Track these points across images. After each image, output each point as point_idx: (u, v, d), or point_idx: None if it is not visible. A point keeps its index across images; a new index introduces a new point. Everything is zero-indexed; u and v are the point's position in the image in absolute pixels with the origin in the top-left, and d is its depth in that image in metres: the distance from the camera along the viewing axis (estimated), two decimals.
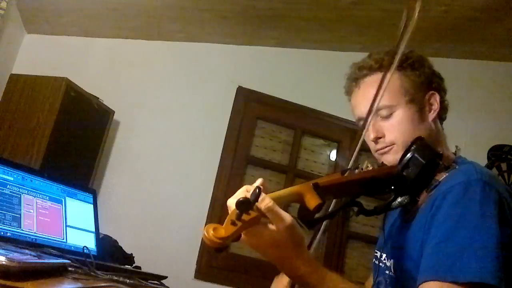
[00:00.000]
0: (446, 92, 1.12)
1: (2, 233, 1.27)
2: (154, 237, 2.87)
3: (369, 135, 1.06)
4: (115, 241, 2.09)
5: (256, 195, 0.74)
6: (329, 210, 0.97)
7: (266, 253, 0.80)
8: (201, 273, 2.94)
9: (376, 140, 1.04)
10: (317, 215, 0.84)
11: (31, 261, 0.92)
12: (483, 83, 3.37)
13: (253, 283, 3.00)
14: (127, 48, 3.15)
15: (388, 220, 1.14)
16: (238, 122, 3.19)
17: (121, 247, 2.10)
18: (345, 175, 0.90)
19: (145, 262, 2.07)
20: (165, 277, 1.67)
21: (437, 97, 1.08)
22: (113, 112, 2.89)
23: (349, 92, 1.16)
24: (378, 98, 1.01)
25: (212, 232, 0.71)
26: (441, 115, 1.11)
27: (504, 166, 3.28)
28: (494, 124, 3.28)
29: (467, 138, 3.18)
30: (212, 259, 2.98)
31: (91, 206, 1.73)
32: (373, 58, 1.10)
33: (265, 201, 0.76)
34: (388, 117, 1.04)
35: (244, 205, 0.72)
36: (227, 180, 3.08)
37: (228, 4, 2.81)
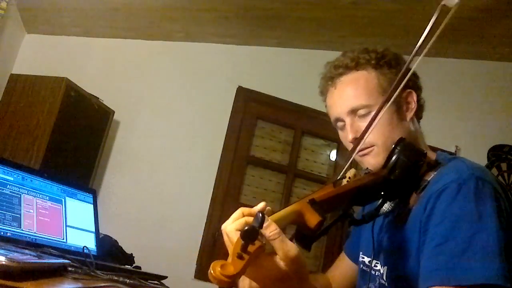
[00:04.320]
0: (422, 90, 1.09)
1: (2, 233, 1.27)
2: (154, 237, 2.87)
3: (347, 136, 1.03)
4: (115, 241, 2.09)
5: (260, 222, 0.68)
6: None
7: (268, 285, 0.74)
8: (201, 273, 2.94)
9: (354, 141, 1.00)
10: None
11: (31, 261, 0.92)
12: (483, 83, 3.37)
13: None
14: (127, 48, 3.15)
15: (376, 224, 1.07)
16: (238, 122, 3.19)
17: (121, 247, 2.10)
18: (337, 186, 0.87)
19: (145, 262, 2.07)
20: (165, 277, 1.67)
21: (414, 95, 1.05)
22: (113, 112, 2.89)
23: (324, 91, 1.12)
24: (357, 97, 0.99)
25: (219, 269, 0.66)
26: (418, 114, 1.08)
27: (504, 166, 3.28)
28: (494, 124, 3.28)
29: (467, 138, 3.19)
30: (212, 259, 2.98)
31: (91, 206, 1.73)
32: (349, 56, 1.07)
33: (270, 228, 0.70)
34: (365, 116, 1.00)
35: (252, 235, 0.66)
36: (227, 180, 3.08)
37: (228, 4, 2.81)
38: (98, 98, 2.78)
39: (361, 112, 1.00)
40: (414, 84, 1.07)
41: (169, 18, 2.98)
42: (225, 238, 0.74)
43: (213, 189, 3.05)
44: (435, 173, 0.93)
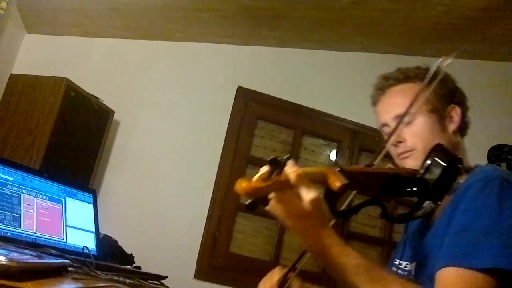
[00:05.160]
0: (468, 109, 1.19)
1: (2, 233, 1.27)
2: (154, 237, 2.87)
3: (391, 140, 1.11)
4: (115, 241, 2.09)
5: (287, 158, 0.75)
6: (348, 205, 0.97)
7: (290, 223, 0.81)
8: (201, 273, 2.94)
9: (397, 144, 1.09)
10: (342, 208, 0.85)
11: (31, 261, 0.93)
12: (483, 83, 3.37)
13: (253, 283, 3.00)
14: (127, 48, 3.15)
15: (410, 227, 1.19)
16: (238, 122, 3.19)
17: (121, 247, 2.10)
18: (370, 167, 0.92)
19: (145, 262, 2.07)
20: (165, 277, 1.67)
21: (458, 110, 1.14)
22: (113, 112, 2.89)
23: (375, 101, 1.21)
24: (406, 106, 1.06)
25: (246, 182, 0.72)
26: (462, 131, 1.17)
27: (504, 166, 3.28)
28: (494, 124, 3.27)
29: (467, 138, 3.18)
30: (212, 259, 2.99)
31: (91, 206, 1.73)
32: (400, 70, 1.18)
33: (294, 166, 0.78)
34: (409, 123, 1.09)
35: (276, 163, 0.74)
36: (227, 180, 3.08)
37: (228, 4, 2.81)
38: (98, 98, 2.78)
39: (406, 119, 1.08)
40: (460, 101, 1.16)
41: (169, 18, 2.98)
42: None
43: (213, 189, 3.05)
44: (467, 176, 1.00)
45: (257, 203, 0.74)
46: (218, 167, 3.09)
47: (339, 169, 0.83)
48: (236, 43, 3.25)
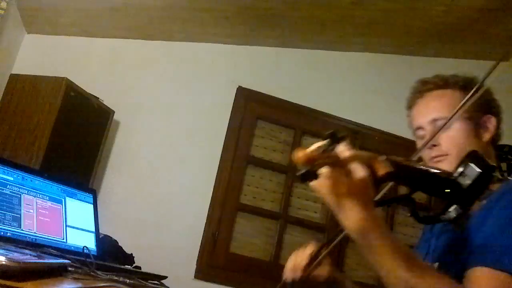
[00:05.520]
0: (502, 121, 1.20)
1: (2, 233, 1.27)
2: (154, 237, 2.87)
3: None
4: (115, 241, 2.09)
5: (345, 136, 0.76)
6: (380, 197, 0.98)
7: (336, 200, 0.81)
8: (201, 273, 2.94)
9: (432, 147, 1.11)
10: (376, 198, 0.85)
11: (31, 261, 0.92)
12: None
13: (253, 283, 3.00)
14: (127, 48, 3.15)
15: (434, 228, 1.20)
16: (238, 122, 3.19)
17: (121, 247, 2.10)
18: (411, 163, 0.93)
19: (145, 262, 2.07)
20: (165, 277, 1.67)
21: (494, 121, 1.16)
22: (113, 112, 2.88)
23: (412, 104, 1.22)
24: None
25: (303, 151, 0.73)
26: (495, 141, 1.18)
27: (504, 166, 3.28)
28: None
29: None
30: (212, 259, 2.99)
31: (91, 206, 1.73)
32: (439, 77, 1.19)
33: (348, 146, 0.79)
34: (445, 128, 1.10)
35: (335, 137, 0.75)
36: (227, 180, 3.08)
37: (228, 4, 2.81)
38: (98, 98, 2.78)
39: (441, 123, 1.10)
40: (496, 112, 1.19)
41: (169, 18, 2.97)
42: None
43: (213, 189, 3.05)
44: (500, 184, 1.03)
45: (309, 175, 0.75)
46: (218, 167, 3.09)
47: (385, 157, 0.84)
48: (236, 43, 3.25)
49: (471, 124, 1.12)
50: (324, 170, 0.78)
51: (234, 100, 3.20)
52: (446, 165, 1.07)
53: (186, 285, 2.82)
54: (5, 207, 1.31)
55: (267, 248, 3.11)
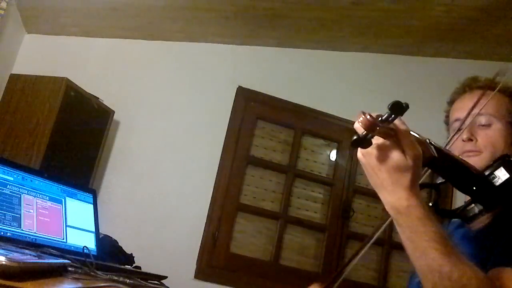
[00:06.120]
0: None
1: (2, 233, 1.27)
2: (154, 237, 2.87)
3: (462, 135, 1.12)
4: (115, 241, 2.09)
5: (407, 105, 0.73)
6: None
7: (383, 174, 0.80)
8: (201, 273, 2.94)
9: (467, 141, 1.10)
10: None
11: (31, 261, 0.92)
12: None
13: (253, 283, 3.00)
14: (127, 48, 3.15)
15: (450, 227, 1.19)
16: (238, 122, 3.19)
17: (121, 247, 2.10)
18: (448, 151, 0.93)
19: (145, 262, 2.07)
20: (165, 277, 1.67)
21: None
22: (113, 112, 2.89)
23: (456, 96, 1.21)
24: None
25: (365, 116, 0.72)
26: None
27: None
28: None
29: None
30: (212, 259, 2.99)
31: (91, 206, 1.73)
32: (490, 79, 1.18)
33: (405, 124, 0.78)
34: (486, 126, 1.11)
35: (400, 109, 0.72)
36: (227, 180, 3.08)
37: (228, 4, 2.81)
38: (98, 98, 2.78)
39: (482, 120, 1.11)
40: None
41: (169, 18, 2.98)
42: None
43: (213, 189, 3.05)
44: None
45: (363, 141, 0.74)
46: (218, 167, 3.09)
47: (429, 141, 0.84)
48: (236, 43, 3.25)
49: (510, 129, 1.12)
50: (380, 140, 0.77)
51: (234, 100, 3.20)
52: (477, 161, 1.06)
53: (186, 285, 2.82)
54: (5, 207, 1.31)
55: (267, 248, 3.11)
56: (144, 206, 2.93)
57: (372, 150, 0.79)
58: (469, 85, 1.19)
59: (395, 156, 0.78)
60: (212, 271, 2.96)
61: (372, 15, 2.91)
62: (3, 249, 1.00)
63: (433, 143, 0.85)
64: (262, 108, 3.27)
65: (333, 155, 3.37)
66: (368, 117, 0.72)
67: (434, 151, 0.82)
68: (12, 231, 1.30)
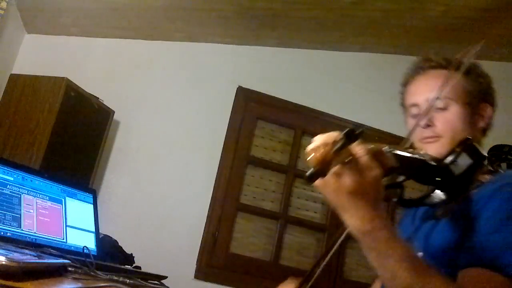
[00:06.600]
0: (496, 109, 1.19)
1: (2, 233, 1.27)
2: (154, 237, 2.87)
3: (421, 122, 1.08)
4: (115, 241, 2.09)
5: (361, 132, 0.73)
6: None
7: (344, 199, 0.78)
8: (201, 273, 2.94)
9: (426, 127, 1.06)
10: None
11: (31, 261, 0.93)
12: None
13: (253, 283, 3.00)
14: (127, 48, 3.15)
15: (418, 212, 1.16)
16: (238, 122, 3.19)
17: (121, 247, 2.10)
18: (410, 151, 0.92)
19: (145, 262, 2.07)
20: (165, 277, 1.67)
21: (490, 110, 1.15)
22: (113, 112, 2.88)
23: (409, 79, 1.17)
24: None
25: (320, 153, 0.71)
26: (486, 130, 1.16)
27: (504, 166, 3.28)
28: (494, 124, 3.27)
29: None
30: (212, 259, 2.99)
31: (91, 206, 1.73)
32: (443, 58, 1.14)
33: (361, 145, 0.76)
34: (443, 109, 1.07)
35: (353, 136, 0.72)
36: (227, 180, 3.08)
37: (228, 4, 2.81)
38: (98, 98, 2.78)
39: (440, 103, 1.06)
40: (492, 101, 1.18)
41: (169, 18, 2.98)
42: (315, 145, 0.79)
43: (213, 189, 3.05)
44: (491, 176, 0.99)
45: (319, 174, 0.73)
46: (218, 167, 3.09)
47: (389, 149, 0.83)
48: (236, 43, 3.25)
49: (468, 110, 1.08)
50: (335, 169, 0.76)
51: (234, 100, 3.20)
52: (437, 148, 1.03)
53: (186, 285, 2.82)
54: (5, 207, 1.31)
55: (267, 248, 3.12)
56: (144, 206, 2.93)
57: (329, 178, 0.77)
58: (422, 67, 1.15)
59: (352, 180, 0.76)
60: (212, 271, 2.96)
61: (372, 15, 2.91)
62: (3, 249, 1.00)
63: (392, 151, 0.83)
64: (262, 108, 3.27)
65: None
66: (318, 155, 0.72)
67: (394, 161, 0.81)
68: (12, 231, 1.30)
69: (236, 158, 3.14)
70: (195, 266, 2.94)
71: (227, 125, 3.15)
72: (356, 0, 2.73)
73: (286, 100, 3.25)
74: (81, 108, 2.64)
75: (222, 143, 3.12)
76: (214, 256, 2.99)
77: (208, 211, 3.01)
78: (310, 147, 0.78)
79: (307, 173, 0.72)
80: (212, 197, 3.04)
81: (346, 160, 0.75)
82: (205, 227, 2.99)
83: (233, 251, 3.05)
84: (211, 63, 3.23)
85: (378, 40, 3.26)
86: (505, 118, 3.37)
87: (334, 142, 0.73)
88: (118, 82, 3.06)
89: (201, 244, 2.97)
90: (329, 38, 3.22)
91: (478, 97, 1.12)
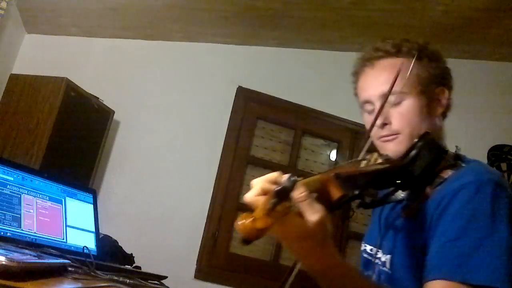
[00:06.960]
0: (453, 89, 1.10)
1: (2, 233, 1.27)
2: (154, 237, 2.87)
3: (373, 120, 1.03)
4: (115, 241, 2.09)
5: (292, 183, 0.71)
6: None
7: (291, 245, 0.77)
8: (201, 273, 2.94)
9: (382, 126, 1.01)
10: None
11: (31, 261, 0.92)
12: (483, 83, 3.37)
13: (253, 283, 3.00)
14: (127, 48, 3.15)
15: (383, 214, 1.09)
16: (238, 122, 3.19)
17: (121, 247, 2.10)
18: (361, 166, 0.87)
19: (145, 262, 2.07)
20: (165, 277, 1.67)
21: (447, 93, 1.06)
22: (113, 112, 2.89)
23: (359, 72, 1.11)
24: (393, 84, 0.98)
25: (250, 222, 0.67)
26: (445, 112, 1.09)
27: (504, 166, 3.28)
28: (494, 124, 3.28)
29: (467, 138, 3.18)
30: (212, 259, 2.99)
31: (91, 206, 1.73)
32: (390, 43, 1.08)
33: (300, 190, 0.71)
34: (397, 104, 1.00)
35: (284, 194, 0.69)
36: (227, 180, 3.08)
37: (228, 4, 2.81)
38: (98, 98, 2.78)
39: (392, 98, 0.99)
40: (448, 83, 1.08)
41: (169, 18, 2.98)
42: (252, 194, 0.76)
43: (213, 189, 3.05)
44: (453, 172, 0.93)
45: (254, 240, 0.69)
46: (218, 167, 3.09)
47: (335, 175, 0.80)
48: (236, 43, 3.25)
49: (424, 99, 1.01)
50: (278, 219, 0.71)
51: (234, 100, 3.20)
52: (396, 146, 0.99)
53: (186, 285, 2.82)
54: (5, 207, 1.31)
55: (267, 248, 3.11)
56: (144, 206, 2.93)
57: (273, 228, 0.71)
58: (369, 59, 1.08)
59: (296, 226, 0.73)
60: (212, 271, 2.96)
61: (372, 15, 2.91)
62: (3, 249, 1.00)
63: (341, 174, 0.80)
64: (262, 108, 3.27)
65: (333, 155, 3.37)
66: (249, 227, 0.67)
67: (342, 188, 0.78)
68: (12, 231, 1.30)
69: (236, 158, 3.14)
70: (195, 266, 2.94)
71: (227, 125, 3.16)
72: (356, 0, 2.73)
73: (286, 100, 3.25)
74: (81, 108, 2.64)
75: (222, 143, 3.12)
76: (214, 256, 2.99)
77: (208, 211, 3.01)
78: (247, 196, 0.74)
79: (241, 240, 0.69)
80: (212, 197, 3.04)
81: (285, 211, 0.71)
82: (205, 227, 2.99)
83: (233, 251, 3.05)
84: (211, 63, 3.23)
85: (378, 40, 3.26)
86: (505, 118, 3.40)
87: (269, 197, 0.69)
88: (118, 82, 3.06)
89: (201, 244, 2.97)
90: (329, 38, 3.22)
91: (433, 83, 1.04)
